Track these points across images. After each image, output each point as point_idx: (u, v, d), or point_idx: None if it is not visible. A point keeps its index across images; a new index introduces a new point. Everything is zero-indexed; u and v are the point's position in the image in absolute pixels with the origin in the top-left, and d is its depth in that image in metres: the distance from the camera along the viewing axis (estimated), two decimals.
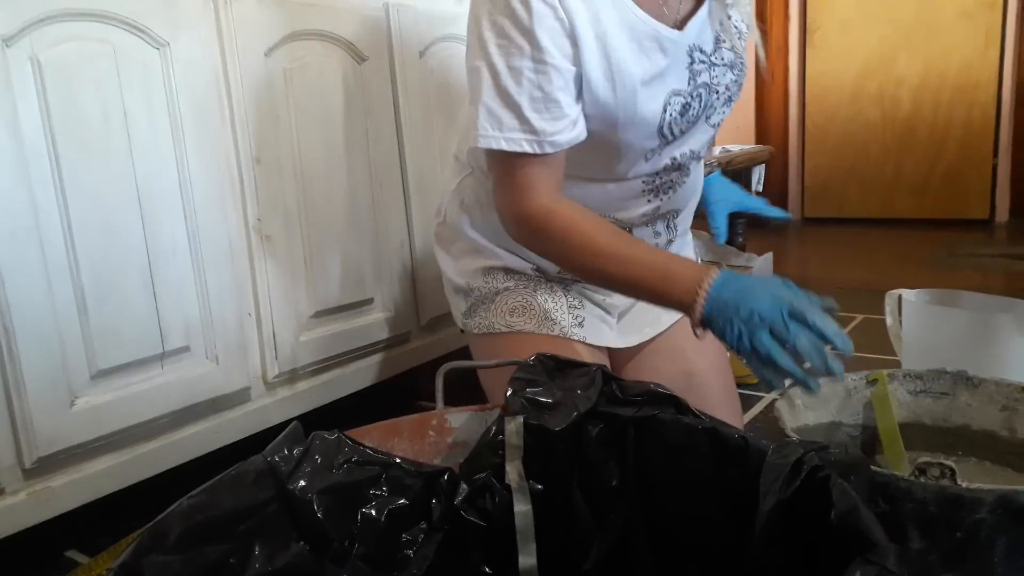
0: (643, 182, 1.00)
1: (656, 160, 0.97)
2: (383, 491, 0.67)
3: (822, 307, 0.77)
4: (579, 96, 0.88)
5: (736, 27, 0.98)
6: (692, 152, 1.01)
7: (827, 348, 0.75)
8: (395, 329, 1.41)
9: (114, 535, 1.07)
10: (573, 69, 0.86)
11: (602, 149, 0.94)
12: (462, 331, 1.13)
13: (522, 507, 0.70)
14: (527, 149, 0.86)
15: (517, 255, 1.07)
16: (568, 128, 0.87)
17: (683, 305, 0.82)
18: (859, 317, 2.05)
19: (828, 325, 0.75)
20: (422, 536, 0.68)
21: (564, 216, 0.88)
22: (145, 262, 1.02)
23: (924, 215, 3.61)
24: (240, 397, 1.17)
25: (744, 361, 0.79)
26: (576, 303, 1.06)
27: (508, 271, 1.07)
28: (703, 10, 0.93)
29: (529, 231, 0.91)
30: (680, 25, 0.92)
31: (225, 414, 1.15)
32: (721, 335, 0.80)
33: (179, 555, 0.53)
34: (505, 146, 0.86)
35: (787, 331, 0.75)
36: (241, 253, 1.15)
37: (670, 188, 1.03)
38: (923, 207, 3.63)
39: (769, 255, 1.52)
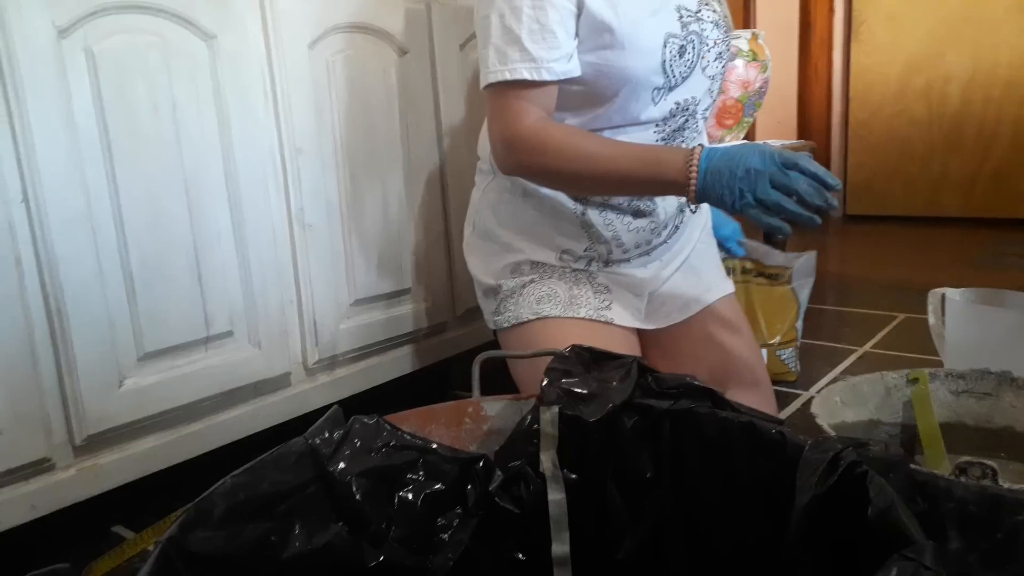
0: (655, 131, 1.05)
1: (663, 104, 1.03)
2: (420, 476, 0.68)
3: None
4: (576, 35, 0.97)
5: None
6: (694, 99, 1.06)
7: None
8: (432, 319, 1.42)
9: (158, 512, 1.10)
10: (571, 8, 0.95)
11: (614, 79, 0.99)
12: (494, 332, 1.14)
13: (556, 496, 0.71)
14: (525, 76, 0.94)
15: (543, 246, 1.09)
16: (563, 59, 0.96)
17: (677, 184, 0.90)
18: (901, 316, 2.02)
19: (818, 168, 0.86)
20: (457, 521, 0.69)
21: (556, 129, 0.98)
22: (191, 248, 1.05)
23: (971, 214, 3.52)
24: (281, 382, 1.20)
25: (749, 216, 0.86)
26: (602, 287, 1.08)
27: (534, 264, 1.09)
28: None
29: (526, 150, 0.98)
30: None
31: (266, 398, 1.17)
32: (719, 201, 0.88)
33: (223, 531, 0.55)
34: (508, 76, 0.95)
35: (788, 178, 0.84)
36: (284, 241, 1.17)
37: (682, 141, 1.08)
38: (970, 206, 3.54)
39: (812, 254, 1.50)
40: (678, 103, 1.05)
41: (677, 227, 1.13)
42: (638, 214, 1.09)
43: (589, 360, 0.74)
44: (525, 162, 0.99)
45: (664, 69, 1.00)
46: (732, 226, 1.40)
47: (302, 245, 1.20)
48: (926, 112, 3.63)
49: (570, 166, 0.96)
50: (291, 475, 0.61)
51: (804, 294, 1.49)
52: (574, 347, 0.74)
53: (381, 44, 1.29)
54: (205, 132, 1.06)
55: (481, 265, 1.16)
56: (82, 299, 0.94)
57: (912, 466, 0.64)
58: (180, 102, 1.02)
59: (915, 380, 0.87)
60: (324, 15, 1.19)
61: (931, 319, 1.20)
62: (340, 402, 1.23)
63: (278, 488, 0.60)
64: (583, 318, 1.04)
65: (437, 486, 0.68)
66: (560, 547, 0.71)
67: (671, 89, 1.03)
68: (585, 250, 1.09)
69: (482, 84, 0.99)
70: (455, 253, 1.46)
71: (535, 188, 1.08)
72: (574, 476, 0.71)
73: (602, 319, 1.06)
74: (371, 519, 0.65)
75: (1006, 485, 0.60)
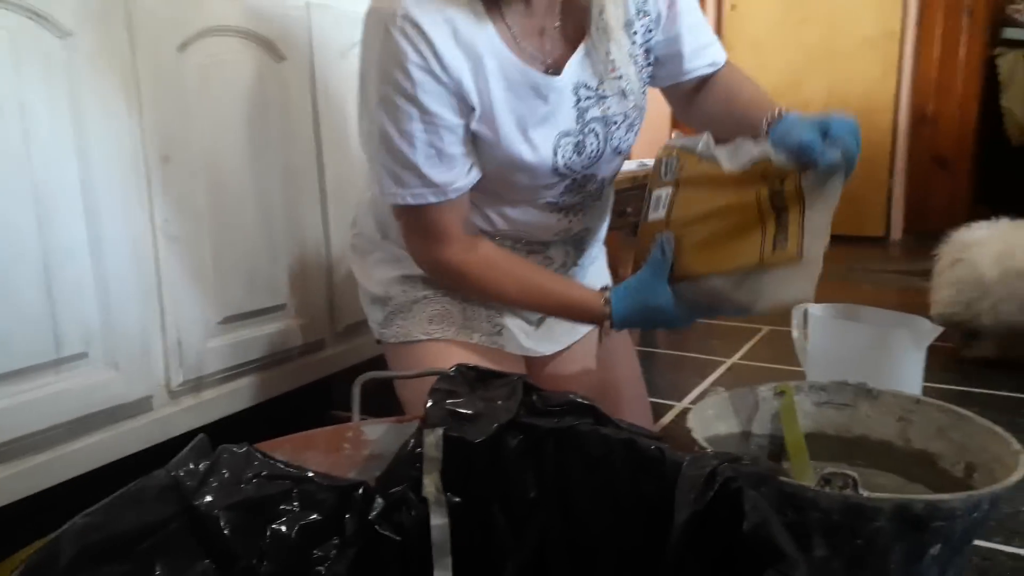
0: (548, 204, 1.01)
1: (557, 190, 0.99)
2: (294, 506, 0.65)
3: None
4: (471, 143, 0.92)
5: (631, 54, 0.97)
6: (598, 178, 1.03)
7: None
8: (308, 336, 1.37)
9: None
10: (463, 122, 0.89)
11: (502, 185, 0.97)
12: (378, 341, 1.11)
13: (439, 520, 0.69)
14: (432, 200, 0.90)
15: None
16: (463, 175, 0.92)
17: (597, 322, 0.97)
18: (765, 329, 2.13)
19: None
20: (334, 552, 0.66)
21: (477, 267, 0.96)
22: (40, 263, 0.96)
23: None
24: (141, 406, 1.11)
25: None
26: (495, 311, 1.06)
27: (427, 280, 1.06)
28: (580, 50, 0.93)
29: (446, 278, 1.00)
30: (558, 66, 0.93)
31: (125, 424, 1.09)
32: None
33: None
34: (411, 201, 0.91)
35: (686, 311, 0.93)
36: (146, 255, 1.09)
37: (580, 209, 1.05)
38: None
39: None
40: (575, 180, 1.00)
41: (575, 264, 1.12)
42: (532, 253, 1.06)
43: (475, 379, 0.73)
44: (446, 283, 1.03)
45: (557, 172, 0.96)
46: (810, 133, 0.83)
47: (166, 259, 1.12)
48: None
49: (492, 298, 1.02)
50: (152, 511, 0.57)
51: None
52: (459, 367, 0.73)
53: (257, 49, 1.23)
54: (59, 137, 0.97)
55: (368, 272, 1.12)
56: None
57: (781, 479, 0.67)
58: (29, 103, 0.93)
59: (781, 393, 0.91)
60: (196, 16, 1.13)
61: (794, 332, 1.27)
62: (208, 425, 1.17)
63: (137, 526, 0.55)
64: (475, 344, 1.03)
65: (313, 516, 0.65)
66: (443, 573, 0.70)
67: (568, 180, 0.99)
68: None
69: (381, 198, 0.96)
70: (335, 267, 1.42)
71: None
72: (458, 499, 0.69)
73: (494, 345, 1.04)
74: (240, 554, 0.61)
75: (865, 494, 0.63)
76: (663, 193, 0.98)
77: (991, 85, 3.36)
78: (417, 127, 0.86)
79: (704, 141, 0.95)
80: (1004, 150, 3.30)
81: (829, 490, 0.64)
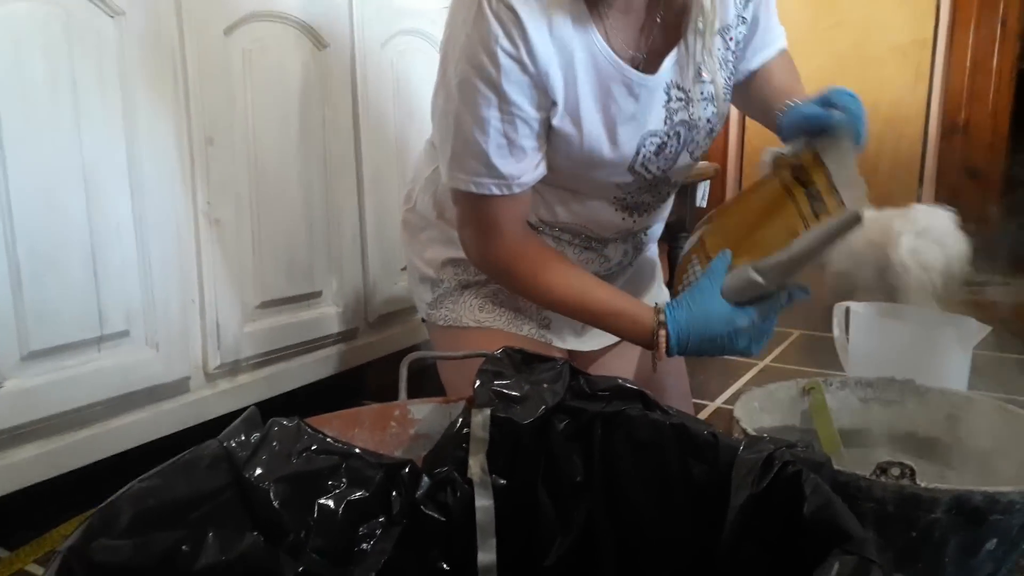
0: (616, 200, 1.00)
1: (629, 189, 0.98)
2: (342, 482, 0.64)
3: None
4: (547, 137, 0.90)
5: (723, 59, 0.95)
6: (671, 181, 1.01)
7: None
8: (343, 324, 1.38)
9: (36, 528, 1.00)
10: (541, 116, 0.87)
11: (572, 179, 0.95)
12: (423, 320, 1.10)
13: (483, 502, 0.69)
14: (495, 192, 0.89)
15: None
16: (531, 169, 0.90)
17: (646, 345, 0.92)
18: (796, 332, 2.11)
19: (760, 286, 0.87)
20: (380, 530, 0.66)
21: (526, 267, 0.94)
22: (87, 240, 0.97)
23: None
24: (179, 387, 1.12)
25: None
26: None
27: None
28: (675, 51, 0.91)
29: (494, 272, 0.98)
30: (654, 64, 0.91)
31: (162, 404, 1.10)
32: (688, 354, 0.92)
33: (130, 540, 0.50)
34: (474, 189, 0.89)
35: (744, 321, 0.88)
36: (188, 236, 1.10)
37: (645, 210, 1.03)
38: None
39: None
40: (647, 181, 0.98)
41: (630, 264, 1.11)
42: (588, 250, 1.05)
43: (520, 362, 0.72)
44: (493, 278, 1.01)
45: (634, 170, 0.94)
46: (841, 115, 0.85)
47: (207, 241, 1.13)
48: None
49: (537, 301, 0.99)
50: (204, 480, 0.57)
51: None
52: (505, 349, 0.72)
53: (300, 36, 1.24)
54: (108, 114, 0.98)
55: (419, 250, 1.10)
56: None
57: (835, 467, 0.66)
58: (81, 80, 0.95)
59: (811, 390, 0.90)
60: (241, 1, 1.14)
61: (835, 331, 1.25)
62: (243, 411, 1.17)
63: (190, 494, 0.55)
64: (524, 336, 1.02)
65: (360, 493, 0.65)
66: (486, 555, 0.69)
67: (644, 179, 0.97)
68: None
69: (444, 181, 0.93)
70: (370, 256, 1.42)
71: None
72: (503, 481, 0.69)
73: (542, 339, 1.04)
74: (289, 528, 0.61)
75: (923, 484, 0.62)
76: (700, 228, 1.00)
77: (1022, 95, 3.31)
78: (493, 114, 0.84)
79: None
80: None
81: (885, 479, 0.63)
